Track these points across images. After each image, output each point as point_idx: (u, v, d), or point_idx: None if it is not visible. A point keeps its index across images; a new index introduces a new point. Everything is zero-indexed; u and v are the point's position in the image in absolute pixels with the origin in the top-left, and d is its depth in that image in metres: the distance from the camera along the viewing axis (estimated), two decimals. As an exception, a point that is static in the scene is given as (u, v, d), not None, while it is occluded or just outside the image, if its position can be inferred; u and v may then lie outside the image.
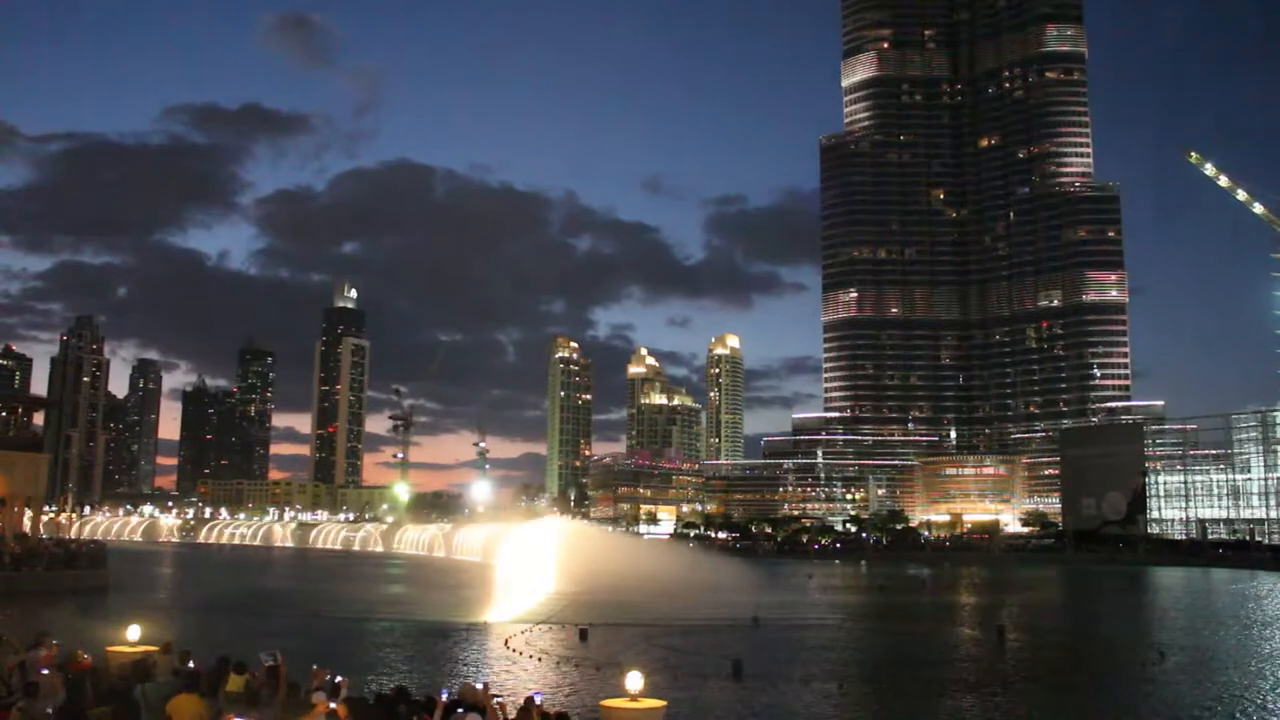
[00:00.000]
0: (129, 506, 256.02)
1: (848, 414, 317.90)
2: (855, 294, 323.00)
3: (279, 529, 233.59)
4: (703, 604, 66.95)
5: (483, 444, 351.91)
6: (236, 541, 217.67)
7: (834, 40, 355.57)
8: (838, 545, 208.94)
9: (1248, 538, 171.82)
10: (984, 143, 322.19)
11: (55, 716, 15.28)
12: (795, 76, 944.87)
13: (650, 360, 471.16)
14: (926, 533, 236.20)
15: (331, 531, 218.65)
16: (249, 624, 52.13)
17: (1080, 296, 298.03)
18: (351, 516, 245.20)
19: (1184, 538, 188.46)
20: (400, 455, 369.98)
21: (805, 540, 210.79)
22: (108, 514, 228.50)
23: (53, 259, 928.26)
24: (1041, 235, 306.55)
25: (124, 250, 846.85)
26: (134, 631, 18.93)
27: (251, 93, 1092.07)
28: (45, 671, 16.22)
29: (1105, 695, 36.13)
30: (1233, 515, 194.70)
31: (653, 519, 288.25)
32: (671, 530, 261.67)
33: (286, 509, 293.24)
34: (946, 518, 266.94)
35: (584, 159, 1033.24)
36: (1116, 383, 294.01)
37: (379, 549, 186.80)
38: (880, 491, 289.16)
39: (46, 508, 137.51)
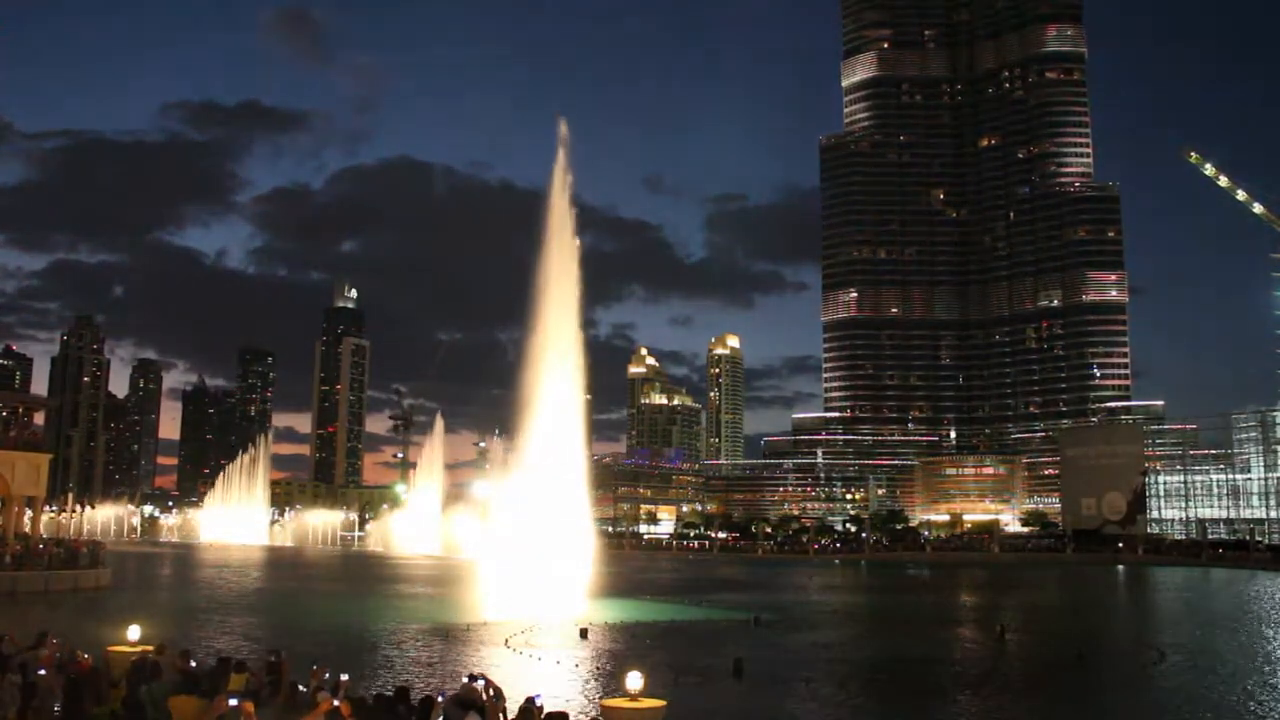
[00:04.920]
0: (129, 506, 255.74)
1: (848, 414, 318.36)
2: (855, 294, 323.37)
3: (279, 529, 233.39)
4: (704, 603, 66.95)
5: (482, 443, 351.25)
6: (236, 541, 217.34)
7: (834, 40, 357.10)
8: (837, 545, 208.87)
9: (1247, 538, 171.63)
10: (984, 143, 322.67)
11: (55, 717, 15.27)
12: (795, 76, 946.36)
13: (650, 360, 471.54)
14: (926, 533, 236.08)
15: (331, 531, 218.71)
16: (248, 624, 52.10)
17: (1080, 296, 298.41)
18: (352, 516, 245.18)
19: (1184, 538, 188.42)
20: (400, 455, 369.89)
21: (805, 540, 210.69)
22: (108, 513, 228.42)
23: (49, 257, 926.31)
24: (1041, 235, 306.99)
25: (121, 249, 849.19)
26: (134, 631, 18.92)
27: (250, 89, 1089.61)
28: (42, 672, 16.20)
29: (1105, 696, 36.09)
30: (1232, 515, 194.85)
31: (653, 519, 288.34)
32: (671, 530, 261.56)
33: (286, 509, 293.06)
34: (946, 518, 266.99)
35: (584, 157, 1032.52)
36: (1116, 383, 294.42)
37: (379, 549, 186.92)
38: (880, 491, 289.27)
39: (47, 508, 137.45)
